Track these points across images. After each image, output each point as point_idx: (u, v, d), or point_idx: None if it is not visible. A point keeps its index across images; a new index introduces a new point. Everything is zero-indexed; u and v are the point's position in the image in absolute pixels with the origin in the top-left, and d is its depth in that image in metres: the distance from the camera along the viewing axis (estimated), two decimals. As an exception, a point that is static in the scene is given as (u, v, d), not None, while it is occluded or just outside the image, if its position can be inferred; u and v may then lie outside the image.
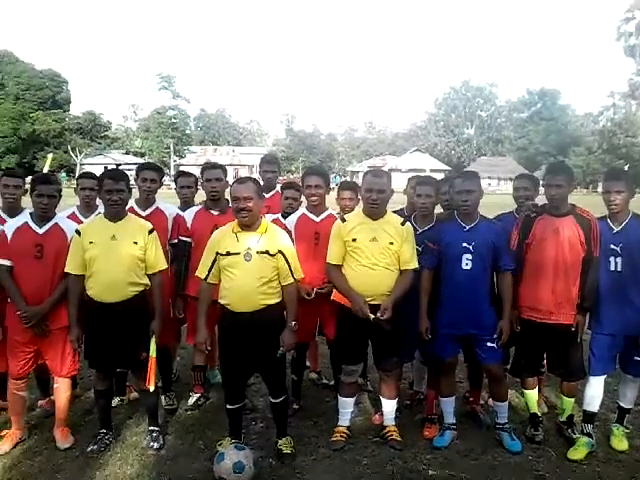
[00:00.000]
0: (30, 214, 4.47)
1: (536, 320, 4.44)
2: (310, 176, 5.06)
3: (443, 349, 4.54)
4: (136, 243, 4.29)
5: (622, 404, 4.70)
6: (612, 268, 4.39)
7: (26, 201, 4.74)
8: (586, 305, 4.42)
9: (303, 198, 5.31)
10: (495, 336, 4.42)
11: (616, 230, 4.40)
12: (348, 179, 73.48)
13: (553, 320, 4.38)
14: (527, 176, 5.52)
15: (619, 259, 4.37)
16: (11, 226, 4.41)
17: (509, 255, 4.45)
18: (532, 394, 4.73)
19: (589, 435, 4.52)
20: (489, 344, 4.43)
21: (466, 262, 4.37)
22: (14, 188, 4.73)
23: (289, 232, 4.78)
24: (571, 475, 4.18)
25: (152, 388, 4.34)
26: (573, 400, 4.67)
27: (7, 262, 4.34)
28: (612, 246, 4.37)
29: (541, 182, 4.84)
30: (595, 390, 4.56)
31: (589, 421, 4.59)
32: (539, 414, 4.77)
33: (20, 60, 72.28)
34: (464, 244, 4.38)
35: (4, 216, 4.71)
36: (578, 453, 4.39)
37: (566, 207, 4.43)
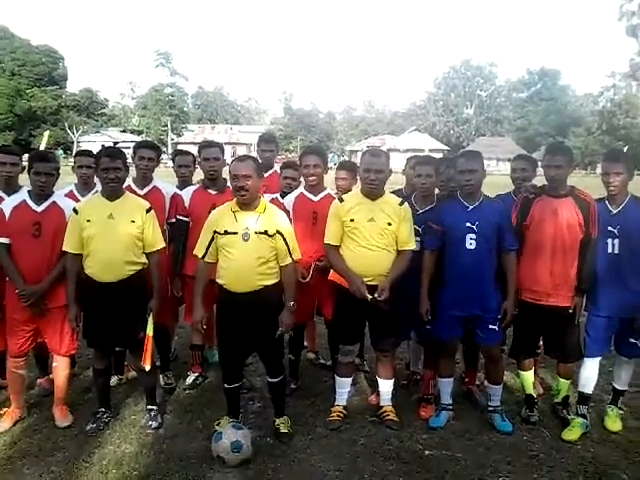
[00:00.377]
0: (28, 192, 4.45)
1: (533, 302, 4.45)
2: (308, 155, 5.03)
3: (445, 330, 4.54)
4: (134, 222, 4.27)
5: (616, 386, 4.72)
6: (609, 250, 4.38)
7: (23, 179, 4.71)
8: (584, 287, 4.43)
9: (302, 178, 5.29)
10: (499, 317, 4.42)
11: (614, 212, 4.39)
12: (346, 158, 73.35)
13: (551, 302, 4.39)
14: (525, 157, 5.50)
15: (616, 241, 4.36)
16: (9, 204, 4.39)
17: (513, 235, 4.43)
18: (528, 375, 4.76)
19: (584, 416, 4.56)
20: (491, 326, 4.43)
21: (470, 242, 4.35)
22: (10, 165, 4.68)
23: (287, 212, 4.78)
24: (565, 455, 4.22)
25: (148, 367, 4.34)
26: (569, 382, 4.70)
27: (5, 240, 4.34)
28: (610, 228, 4.36)
29: (540, 163, 4.82)
30: (590, 371, 4.58)
31: (584, 402, 4.62)
32: (534, 395, 4.79)
33: (16, 35, 71.54)
34: (467, 224, 4.35)
35: (1, 194, 4.67)
36: (573, 434, 4.43)
37: (565, 188, 4.41)
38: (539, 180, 4.72)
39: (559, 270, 4.36)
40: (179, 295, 5.21)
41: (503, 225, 4.40)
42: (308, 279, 4.77)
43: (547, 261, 4.37)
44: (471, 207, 4.40)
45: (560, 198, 4.38)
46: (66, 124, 66.41)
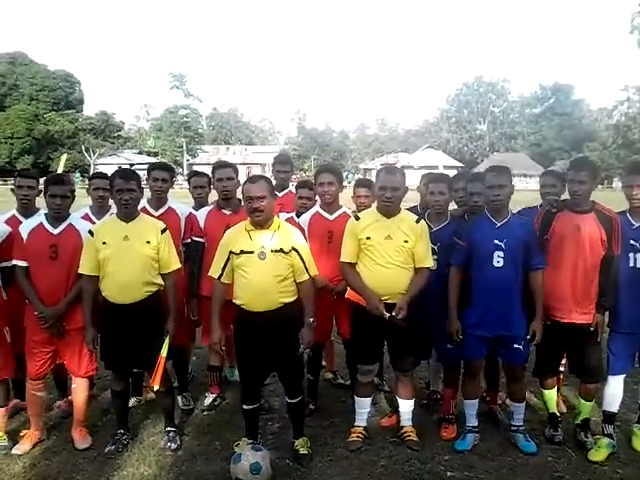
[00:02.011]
0: (45, 215, 4.48)
1: (555, 319, 4.37)
2: (323, 174, 5.02)
3: (471, 350, 4.45)
4: (149, 243, 4.27)
5: (643, 404, 4.62)
6: (631, 264, 4.31)
7: (41, 202, 4.75)
8: (606, 304, 4.35)
9: (317, 196, 5.28)
10: (527, 337, 4.32)
11: (636, 225, 4.32)
12: (361, 177, 73.35)
13: (573, 319, 4.31)
14: (553, 173, 5.43)
15: (638, 255, 4.29)
16: (26, 227, 4.42)
17: (540, 253, 4.34)
18: (551, 394, 4.67)
19: (610, 436, 4.46)
20: (515, 345, 4.34)
21: (498, 260, 4.26)
22: (28, 189, 4.73)
23: (302, 230, 4.76)
24: (591, 476, 4.12)
25: (156, 387, 4.30)
26: (591, 404, 4.59)
27: (23, 263, 4.36)
28: (632, 242, 4.28)
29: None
30: (615, 390, 4.49)
31: (609, 421, 4.52)
32: (558, 414, 4.71)
33: (34, 61, 72.94)
34: (496, 241, 4.26)
35: (19, 217, 4.72)
36: (599, 454, 4.32)
37: (588, 204, 4.33)
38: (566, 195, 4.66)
39: (581, 287, 4.28)
40: (195, 318, 5.19)
41: (531, 243, 4.31)
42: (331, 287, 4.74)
43: (568, 277, 4.29)
44: (499, 224, 4.32)
45: (583, 214, 4.31)
46: (83, 147, 67.27)
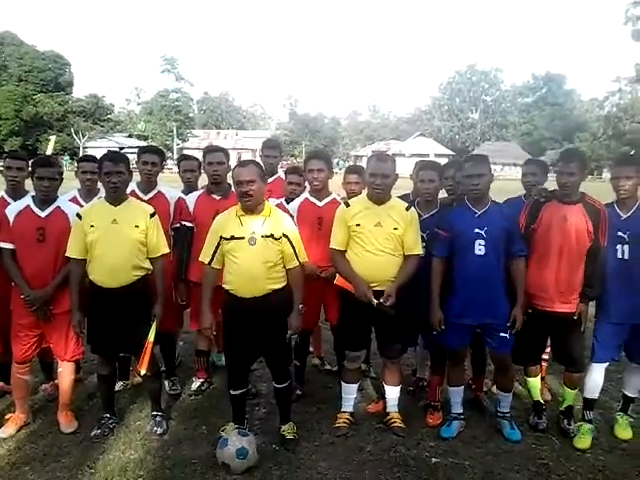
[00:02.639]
0: (32, 197, 4.44)
1: (538, 307, 4.40)
2: (312, 160, 5.01)
3: (454, 339, 4.47)
4: (137, 227, 4.25)
5: (627, 393, 4.67)
6: (619, 256, 4.33)
7: (30, 184, 4.71)
8: (591, 294, 4.38)
9: (307, 183, 5.27)
10: (509, 324, 4.34)
11: (624, 217, 4.35)
12: (352, 163, 73.26)
13: (555, 308, 4.34)
14: (536, 161, 5.46)
15: (626, 247, 4.31)
16: (13, 209, 4.38)
17: (522, 240, 4.37)
18: (535, 382, 4.72)
19: (589, 421, 4.53)
20: (502, 334, 4.35)
21: (479, 248, 4.28)
22: (17, 170, 4.67)
23: (292, 217, 4.75)
24: (574, 463, 4.17)
25: (143, 371, 4.30)
26: (574, 391, 4.63)
27: (10, 245, 4.33)
28: (620, 233, 4.31)
29: (550, 168, 4.77)
30: (596, 377, 4.54)
31: (590, 408, 4.58)
32: (542, 402, 4.75)
33: (23, 42, 71.95)
34: (476, 230, 4.28)
35: (7, 199, 4.67)
36: (584, 441, 4.38)
37: (577, 195, 4.36)
38: (550, 185, 4.67)
39: (565, 276, 4.32)
40: (184, 303, 5.17)
41: (512, 230, 4.33)
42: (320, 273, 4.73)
43: (553, 267, 4.32)
44: (479, 212, 4.34)
45: (570, 204, 4.33)
46: (72, 130, 66.56)
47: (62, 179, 4.49)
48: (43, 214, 4.35)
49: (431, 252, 4.49)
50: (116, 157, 4.29)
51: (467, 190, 4.40)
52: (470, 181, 4.31)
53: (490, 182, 4.38)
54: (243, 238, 4.01)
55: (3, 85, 66.97)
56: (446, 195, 5.06)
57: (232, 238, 4.03)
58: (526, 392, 4.95)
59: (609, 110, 70.71)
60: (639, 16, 59.70)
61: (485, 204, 4.36)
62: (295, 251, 4.12)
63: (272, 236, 4.03)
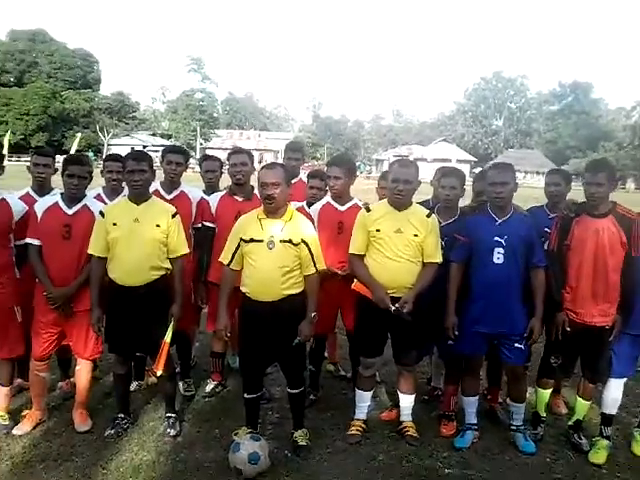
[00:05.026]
0: (61, 194, 4.47)
1: (578, 322, 4.33)
2: (331, 167, 5.01)
3: (469, 347, 4.43)
4: (159, 226, 4.25)
5: (645, 409, 4.59)
6: None
7: (55, 180, 4.75)
8: (626, 307, 4.29)
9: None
10: (526, 335, 4.30)
11: None
12: (374, 167, 73.22)
13: (594, 322, 4.28)
14: (559, 171, 5.39)
15: None
16: (41, 206, 4.41)
17: (542, 251, 4.32)
18: (546, 394, 4.69)
19: (608, 438, 4.45)
20: (517, 344, 4.32)
21: (498, 256, 4.24)
22: (44, 167, 4.72)
23: (312, 220, 4.74)
24: (589, 479, 4.11)
25: (159, 372, 4.31)
26: (588, 403, 4.58)
27: (37, 242, 4.35)
28: None
29: (573, 177, 4.69)
30: (615, 392, 4.47)
31: (608, 424, 4.50)
32: (543, 415, 4.71)
33: (54, 39, 73.07)
34: (496, 238, 4.24)
35: (34, 195, 4.71)
36: (600, 456, 4.32)
37: (607, 206, 4.27)
38: (576, 194, 4.59)
39: (602, 290, 4.24)
40: (204, 305, 5.18)
41: (533, 240, 4.29)
42: (340, 273, 4.71)
43: (589, 282, 4.25)
44: (500, 220, 4.30)
45: (601, 217, 4.24)
46: (97, 127, 67.38)
47: (92, 178, 4.52)
48: (70, 211, 4.38)
49: (449, 259, 4.45)
50: (139, 156, 4.31)
51: (490, 198, 4.37)
52: (494, 189, 4.27)
53: (514, 191, 4.33)
54: (262, 241, 4.01)
55: (33, 81, 67.95)
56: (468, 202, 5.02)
57: (251, 240, 4.03)
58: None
59: (636, 120, 69.81)
60: (670, 25, 58.82)
61: (507, 213, 4.32)
62: (313, 258, 4.10)
63: (290, 241, 4.01)
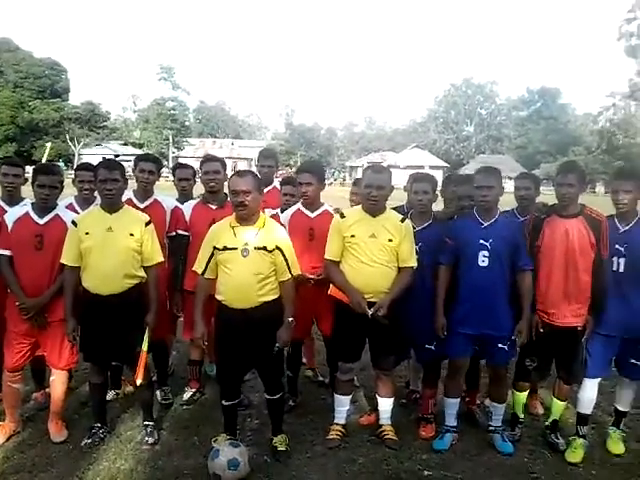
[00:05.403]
0: (31, 204, 4.43)
1: (550, 323, 4.39)
2: (301, 173, 5.00)
3: (455, 348, 4.47)
4: (132, 235, 4.23)
5: (619, 407, 4.68)
6: (614, 268, 4.33)
7: (25, 191, 4.69)
8: (597, 307, 4.36)
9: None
10: (514, 337, 4.34)
11: (622, 230, 4.35)
12: (347, 174, 73.44)
13: (566, 322, 4.34)
14: (529, 175, 5.48)
15: (622, 260, 4.31)
16: (11, 216, 4.37)
17: (528, 254, 4.38)
18: (523, 396, 4.74)
19: (584, 437, 4.52)
20: (500, 345, 4.36)
21: (483, 259, 4.29)
22: (14, 177, 4.68)
23: (283, 227, 4.76)
24: (567, 478, 4.18)
25: (139, 382, 4.29)
26: (563, 404, 4.65)
27: (7, 252, 4.31)
28: (617, 246, 4.31)
29: (543, 181, 4.78)
30: (590, 393, 4.53)
31: (584, 423, 4.57)
32: (521, 416, 4.77)
33: (19, 48, 71.94)
34: (481, 241, 4.29)
35: (3, 205, 4.66)
36: (576, 455, 4.38)
37: (576, 208, 4.36)
38: (546, 198, 4.67)
39: (573, 291, 4.31)
40: (179, 314, 5.16)
41: (518, 244, 4.34)
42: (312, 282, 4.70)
43: (561, 282, 4.32)
44: (486, 224, 4.35)
45: (570, 218, 4.32)
46: (68, 136, 66.46)
47: (62, 187, 4.49)
48: (42, 221, 4.34)
49: (424, 264, 4.48)
50: (111, 165, 4.29)
51: (476, 201, 4.42)
52: (480, 192, 4.33)
53: (500, 195, 4.39)
54: (236, 249, 4.00)
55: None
56: (441, 208, 5.08)
57: (225, 249, 4.02)
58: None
59: (603, 125, 71.10)
60: (632, 33, 60.31)
61: (493, 216, 4.37)
62: (288, 264, 4.11)
63: (265, 248, 4.01)
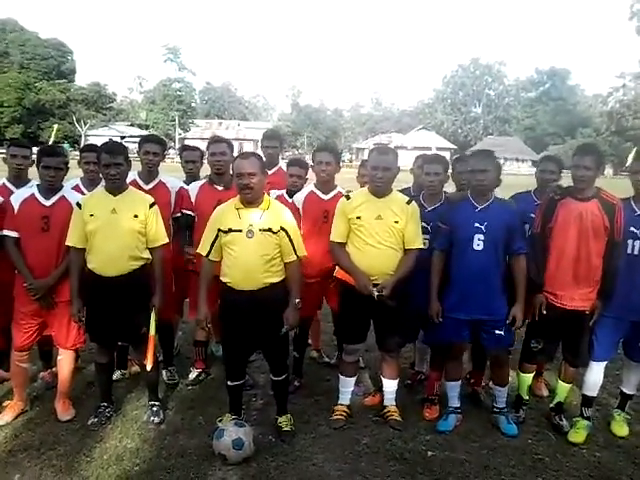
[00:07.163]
0: (37, 186, 4.43)
1: (557, 305, 4.36)
2: (321, 152, 4.97)
3: (452, 332, 4.44)
4: (136, 216, 4.23)
5: (625, 390, 4.68)
6: (629, 251, 4.28)
7: (33, 172, 4.70)
8: (606, 290, 4.32)
9: (308, 175, 5.25)
10: (508, 322, 4.32)
11: (638, 212, 4.30)
12: (354, 156, 73.17)
13: (574, 306, 4.31)
14: (553, 158, 5.36)
15: (637, 242, 4.27)
16: (18, 197, 4.38)
17: (523, 238, 4.35)
18: (528, 378, 4.74)
19: (588, 419, 4.53)
20: (497, 331, 4.33)
21: (477, 243, 4.26)
22: (22, 158, 4.68)
23: (297, 210, 4.74)
24: (570, 459, 4.18)
25: (149, 366, 4.33)
26: (569, 386, 4.64)
27: (14, 233, 4.33)
28: (632, 229, 4.26)
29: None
30: (597, 375, 4.53)
31: (588, 405, 4.57)
32: (526, 398, 4.78)
33: (25, 29, 71.70)
34: (476, 224, 4.26)
35: (10, 186, 4.66)
36: (579, 436, 4.39)
37: (591, 191, 4.29)
38: (565, 183, 4.62)
39: (583, 274, 4.27)
40: (192, 264, 5.06)
41: (513, 227, 4.30)
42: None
43: (571, 265, 4.27)
44: (480, 207, 4.31)
45: (585, 201, 4.26)
46: (74, 118, 66.45)
47: (68, 169, 4.49)
48: (48, 203, 4.35)
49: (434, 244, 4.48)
50: (114, 149, 4.26)
51: (471, 185, 4.39)
52: (474, 176, 4.29)
53: (496, 177, 4.34)
54: (241, 231, 3.99)
55: (5, 72, 66.75)
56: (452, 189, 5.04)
57: (230, 231, 4.01)
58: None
59: (612, 106, 70.45)
60: (645, 11, 59.41)
61: (487, 199, 4.33)
62: (293, 245, 4.10)
63: (270, 230, 4.00)
